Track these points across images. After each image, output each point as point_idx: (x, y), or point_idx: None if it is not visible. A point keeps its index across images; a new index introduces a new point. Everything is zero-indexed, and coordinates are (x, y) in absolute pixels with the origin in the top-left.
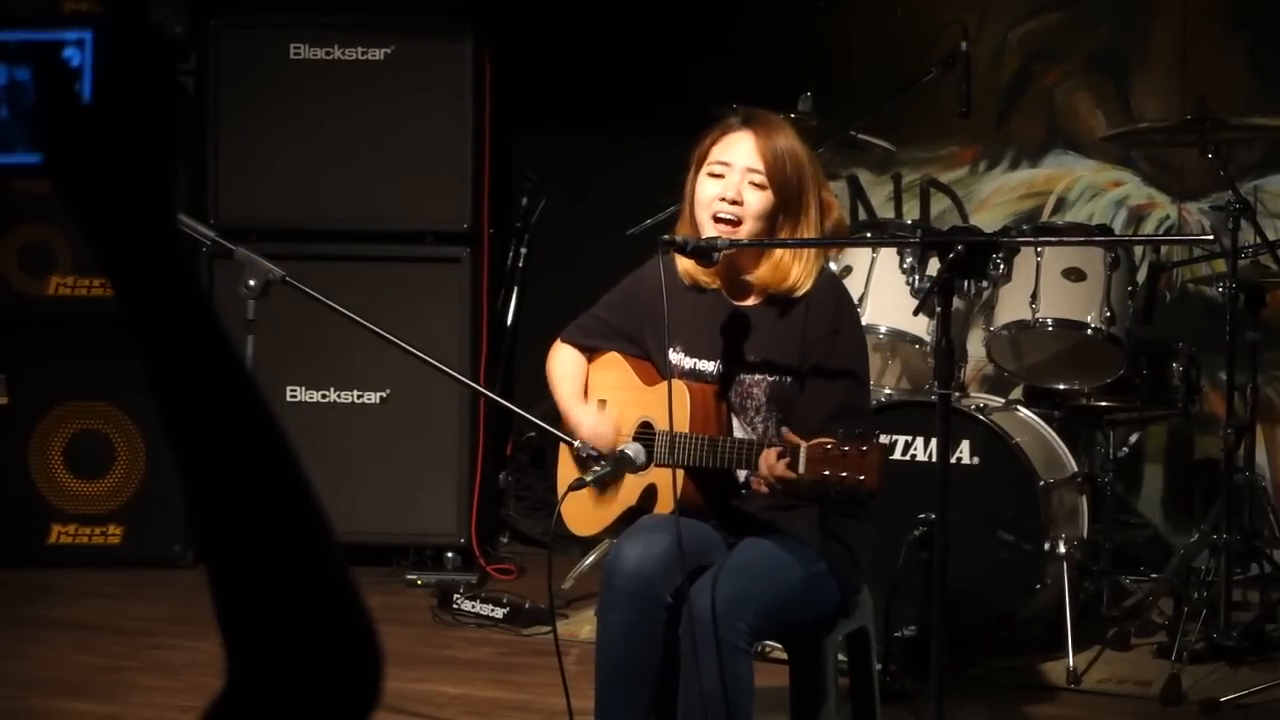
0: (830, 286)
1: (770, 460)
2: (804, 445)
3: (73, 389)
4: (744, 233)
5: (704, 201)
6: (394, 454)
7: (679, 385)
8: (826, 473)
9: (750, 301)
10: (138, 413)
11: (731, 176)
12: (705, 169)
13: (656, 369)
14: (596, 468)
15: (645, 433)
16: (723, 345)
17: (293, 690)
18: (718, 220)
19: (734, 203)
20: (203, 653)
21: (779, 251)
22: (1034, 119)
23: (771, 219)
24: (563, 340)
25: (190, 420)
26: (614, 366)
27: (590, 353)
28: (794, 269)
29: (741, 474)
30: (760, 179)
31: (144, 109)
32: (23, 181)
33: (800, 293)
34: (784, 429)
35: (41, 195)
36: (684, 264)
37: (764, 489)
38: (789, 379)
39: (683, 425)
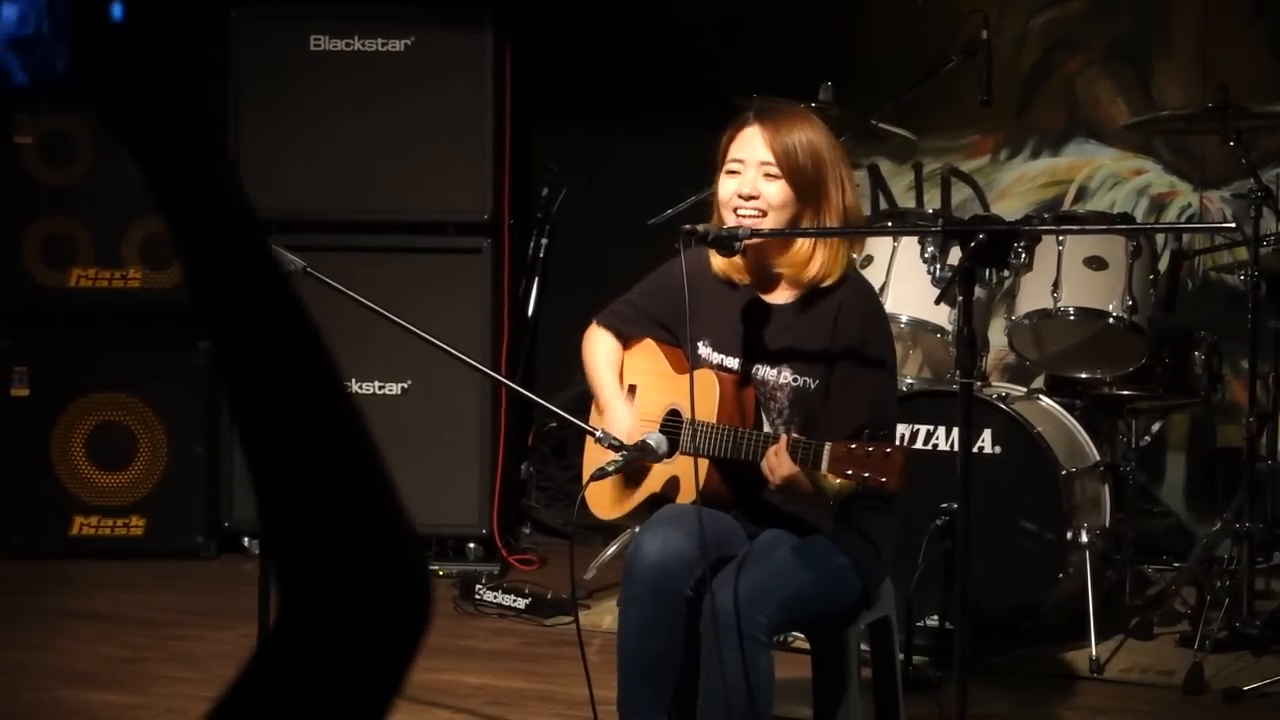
0: (862, 294)
1: (779, 449)
2: (828, 444)
3: (94, 381)
4: (766, 225)
5: (725, 199)
6: (415, 445)
7: (710, 375)
8: (849, 472)
9: (780, 298)
10: (159, 404)
11: (746, 172)
12: (725, 168)
13: (688, 357)
14: (617, 456)
15: (673, 420)
16: (750, 341)
17: (344, 611)
18: (740, 217)
19: (751, 197)
20: (225, 643)
21: (797, 243)
22: (1055, 107)
23: (791, 209)
24: (598, 324)
25: (240, 344)
26: (646, 353)
27: (625, 339)
28: (816, 258)
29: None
30: (773, 170)
31: (175, 32)
32: (44, 174)
33: (829, 282)
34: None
35: (63, 187)
36: (718, 260)
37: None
38: (813, 384)
39: (710, 415)
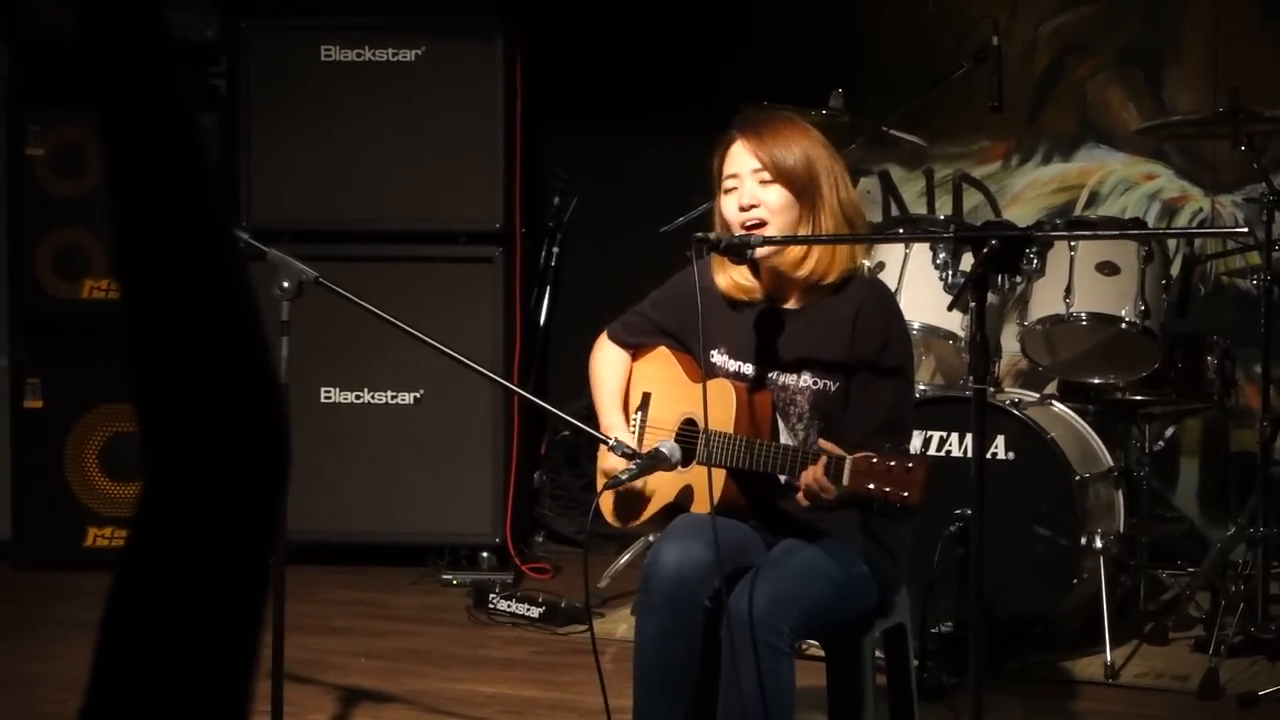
0: (881, 298)
1: (817, 473)
2: (849, 458)
3: (107, 392)
4: (771, 230)
5: (730, 219)
6: (428, 454)
7: (725, 384)
8: (870, 486)
9: (794, 303)
10: None
11: (742, 185)
12: (722, 187)
13: (701, 366)
14: (631, 466)
15: (688, 429)
16: (767, 347)
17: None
18: (748, 229)
19: (752, 207)
20: None
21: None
22: (1066, 113)
23: (792, 211)
24: (608, 337)
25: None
26: (661, 361)
27: (635, 350)
28: (811, 254)
29: (782, 477)
30: (765, 176)
31: None
32: (56, 186)
33: (828, 279)
34: (820, 440)
35: (75, 199)
36: (723, 282)
37: (806, 502)
38: (833, 388)
39: (727, 425)
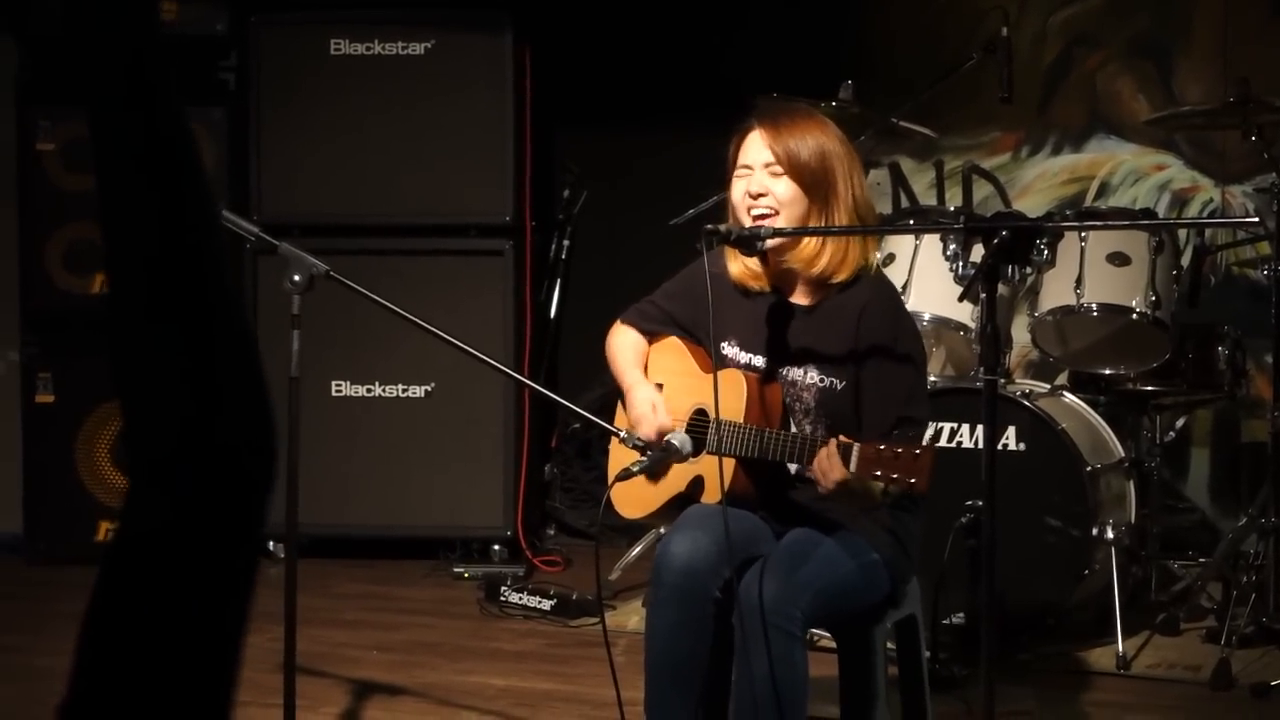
0: (886, 295)
1: (831, 451)
2: (856, 444)
3: None
4: (780, 222)
5: (738, 201)
6: (439, 447)
7: (738, 375)
8: (879, 473)
9: (801, 299)
10: None
11: (753, 174)
12: (735, 173)
13: (712, 357)
14: (643, 457)
15: (699, 420)
16: (777, 341)
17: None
18: (755, 218)
19: (760, 195)
20: (250, 645)
21: (805, 240)
22: (1076, 104)
23: (801, 205)
24: (623, 322)
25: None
26: (673, 351)
27: (649, 337)
28: (824, 252)
29: (792, 466)
30: (777, 169)
31: None
32: (67, 181)
33: (839, 278)
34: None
35: (86, 193)
36: (734, 269)
37: (816, 476)
38: (839, 386)
39: (738, 415)
